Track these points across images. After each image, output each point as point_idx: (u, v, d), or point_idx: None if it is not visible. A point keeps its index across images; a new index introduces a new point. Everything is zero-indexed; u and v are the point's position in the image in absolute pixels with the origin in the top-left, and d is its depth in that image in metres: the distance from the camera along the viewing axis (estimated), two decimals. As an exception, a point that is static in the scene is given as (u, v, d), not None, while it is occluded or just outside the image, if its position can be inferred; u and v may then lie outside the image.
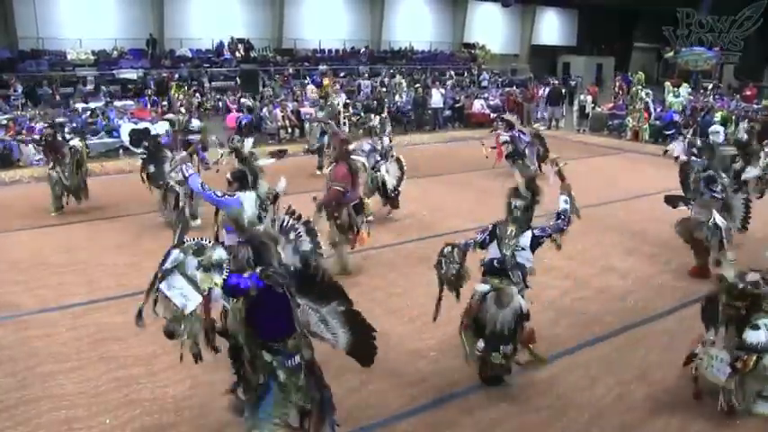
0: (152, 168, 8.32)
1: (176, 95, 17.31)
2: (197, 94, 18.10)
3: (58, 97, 16.86)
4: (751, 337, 4.09)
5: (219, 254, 3.03)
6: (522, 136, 11.63)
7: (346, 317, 3.30)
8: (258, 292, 3.05)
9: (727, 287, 4.16)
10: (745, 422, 4.26)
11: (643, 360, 5.06)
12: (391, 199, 8.96)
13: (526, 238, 4.46)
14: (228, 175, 5.31)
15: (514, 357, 4.51)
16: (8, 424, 4.13)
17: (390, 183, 8.86)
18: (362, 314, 3.35)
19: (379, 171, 8.78)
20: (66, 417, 4.20)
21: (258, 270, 3.12)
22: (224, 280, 3.00)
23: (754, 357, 4.05)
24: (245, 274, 3.08)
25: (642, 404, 4.47)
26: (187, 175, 5.34)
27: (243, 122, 14.63)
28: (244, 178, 5.14)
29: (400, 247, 7.78)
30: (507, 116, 12.52)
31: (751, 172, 7.28)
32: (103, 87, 17.89)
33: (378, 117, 10.56)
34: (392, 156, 9.04)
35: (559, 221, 4.59)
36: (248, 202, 5.06)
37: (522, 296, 4.44)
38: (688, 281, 6.70)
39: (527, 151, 11.52)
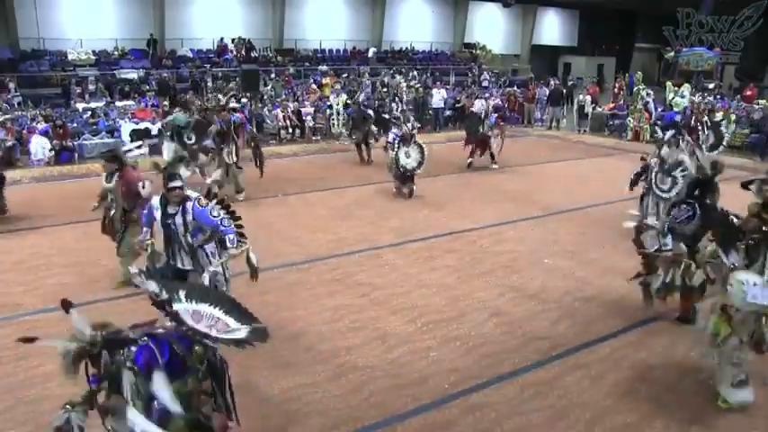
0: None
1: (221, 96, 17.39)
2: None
3: (87, 96, 17.00)
4: None
5: None
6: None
7: (200, 293, 3.52)
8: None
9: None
10: (746, 422, 4.26)
11: (645, 360, 5.06)
12: (408, 179, 10.06)
13: None
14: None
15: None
16: (9, 425, 4.12)
17: (409, 165, 9.90)
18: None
19: (397, 152, 9.85)
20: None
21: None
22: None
23: None
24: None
25: (644, 404, 4.47)
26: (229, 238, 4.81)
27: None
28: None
29: (401, 247, 7.78)
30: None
31: None
32: (118, 87, 17.98)
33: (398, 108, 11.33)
34: (414, 142, 9.95)
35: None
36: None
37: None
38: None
39: None
